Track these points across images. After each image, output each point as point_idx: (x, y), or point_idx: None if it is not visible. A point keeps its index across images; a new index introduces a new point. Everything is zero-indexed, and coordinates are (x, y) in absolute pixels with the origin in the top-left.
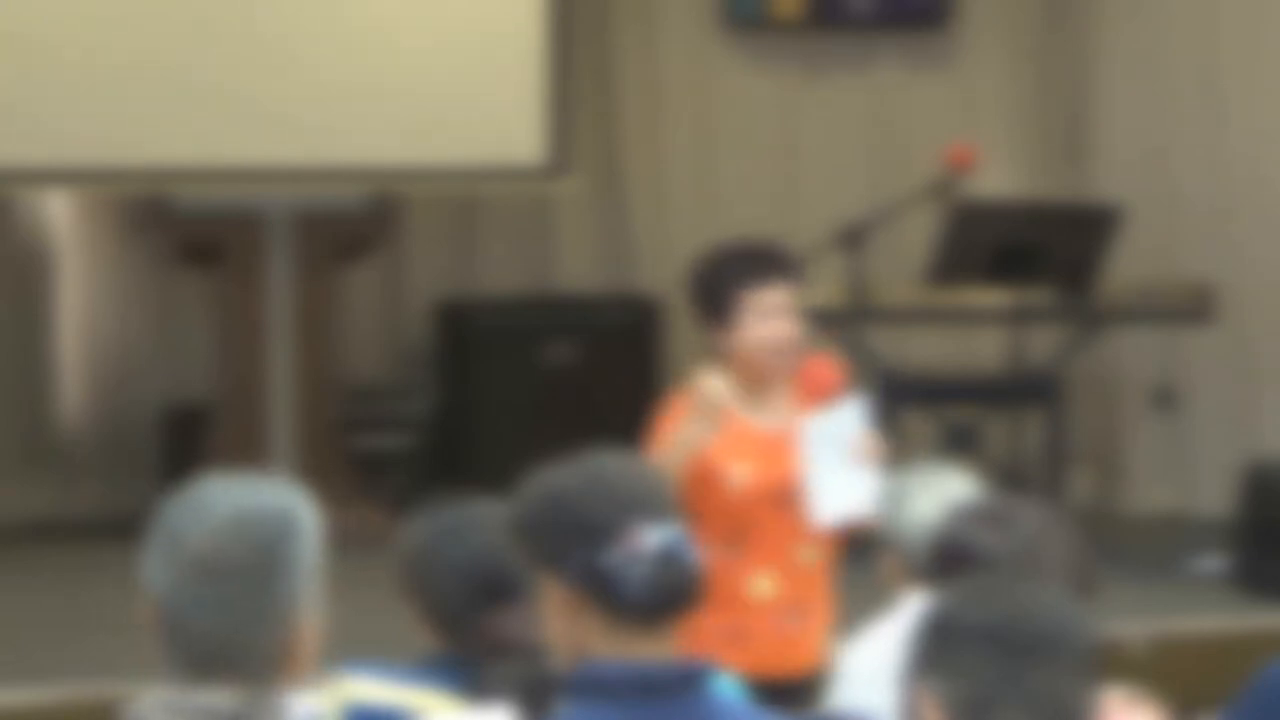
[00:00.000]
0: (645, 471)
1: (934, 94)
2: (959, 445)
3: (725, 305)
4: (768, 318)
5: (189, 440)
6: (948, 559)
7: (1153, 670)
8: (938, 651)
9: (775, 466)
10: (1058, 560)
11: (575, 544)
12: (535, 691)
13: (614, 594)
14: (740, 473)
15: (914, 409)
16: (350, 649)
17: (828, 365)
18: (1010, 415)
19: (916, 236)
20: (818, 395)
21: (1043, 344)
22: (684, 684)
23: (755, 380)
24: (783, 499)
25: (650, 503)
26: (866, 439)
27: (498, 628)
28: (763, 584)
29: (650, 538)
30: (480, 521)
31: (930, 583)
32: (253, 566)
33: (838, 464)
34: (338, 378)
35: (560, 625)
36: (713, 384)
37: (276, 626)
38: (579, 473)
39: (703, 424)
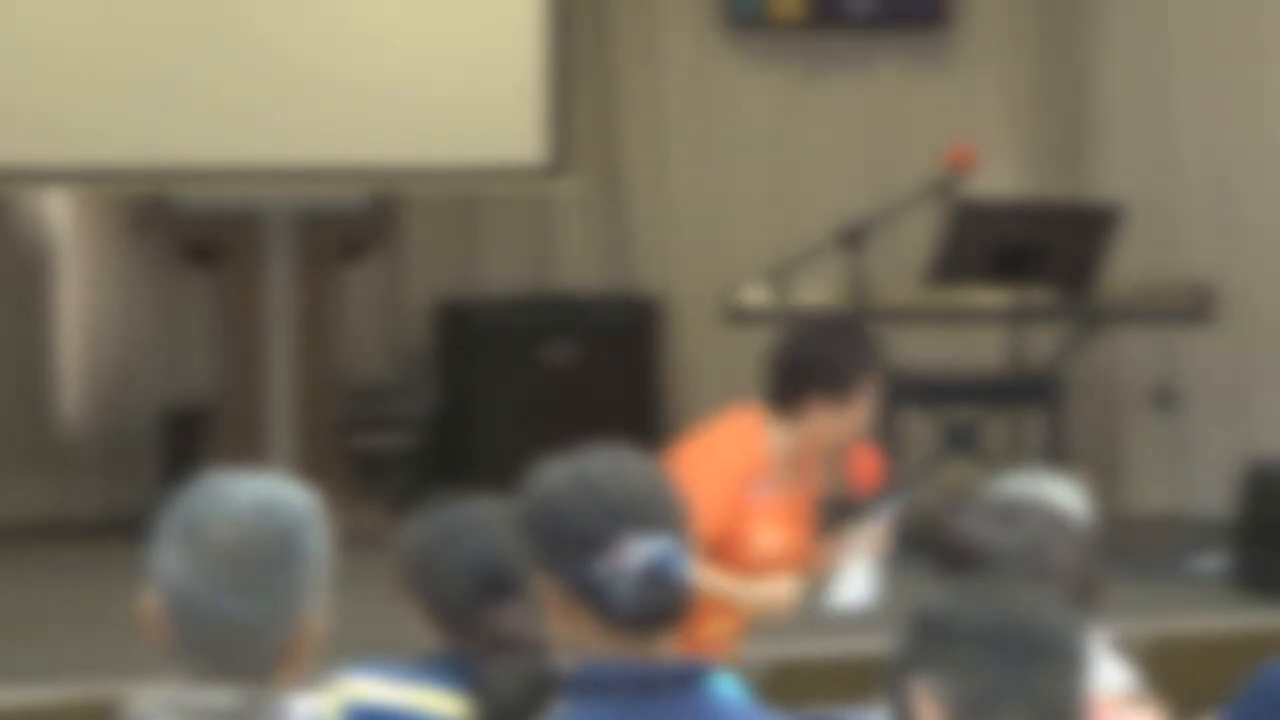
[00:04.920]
0: (640, 477)
1: (934, 94)
2: (959, 445)
3: (848, 387)
4: (870, 402)
5: (189, 440)
6: (953, 555)
7: (1152, 670)
8: (938, 648)
9: (799, 532)
10: (1062, 561)
11: (566, 551)
12: (535, 689)
13: (603, 604)
14: (768, 539)
15: (914, 409)
16: (350, 649)
17: (874, 458)
18: (1010, 415)
19: (916, 236)
20: (863, 487)
21: (1043, 344)
22: (681, 682)
23: (822, 455)
24: (800, 566)
25: (641, 513)
26: (886, 535)
27: (500, 624)
28: (723, 628)
29: (638, 551)
30: (482, 519)
31: (936, 577)
32: (274, 555)
33: (862, 556)
34: (338, 378)
35: (559, 624)
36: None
37: (291, 617)
38: (573, 477)
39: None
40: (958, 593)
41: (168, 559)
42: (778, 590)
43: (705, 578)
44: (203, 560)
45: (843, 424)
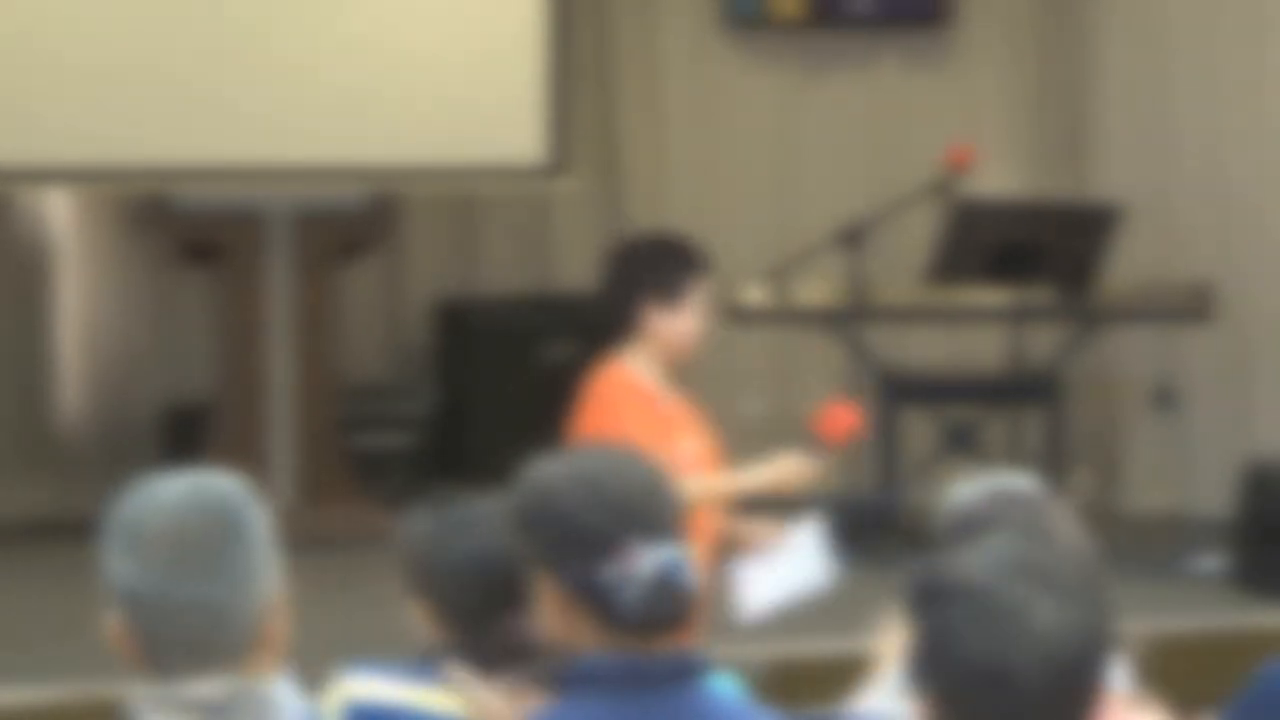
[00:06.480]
0: (643, 478)
1: (934, 93)
2: (959, 445)
3: (677, 289)
4: (704, 308)
5: (189, 440)
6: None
7: (1152, 670)
8: (929, 673)
9: (707, 438)
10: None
11: (571, 553)
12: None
13: (607, 608)
14: (687, 445)
15: (914, 408)
16: (350, 647)
17: (851, 410)
18: (1010, 415)
19: (916, 236)
20: (836, 439)
21: (1042, 343)
22: (676, 677)
23: (675, 363)
24: (716, 470)
25: (650, 519)
26: (825, 571)
27: (509, 629)
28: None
29: (647, 559)
30: (488, 516)
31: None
32: (217, 532)
33: (783, 575)
34: (337, 377)
35: (555, 621)
36: None
37: (249, 593)
38: (579, 477)
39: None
40: (951, 617)
41: (117, 569)
42: (785, 466)
43: (696, 483)
44: (150, 555)
45: (682, 326)
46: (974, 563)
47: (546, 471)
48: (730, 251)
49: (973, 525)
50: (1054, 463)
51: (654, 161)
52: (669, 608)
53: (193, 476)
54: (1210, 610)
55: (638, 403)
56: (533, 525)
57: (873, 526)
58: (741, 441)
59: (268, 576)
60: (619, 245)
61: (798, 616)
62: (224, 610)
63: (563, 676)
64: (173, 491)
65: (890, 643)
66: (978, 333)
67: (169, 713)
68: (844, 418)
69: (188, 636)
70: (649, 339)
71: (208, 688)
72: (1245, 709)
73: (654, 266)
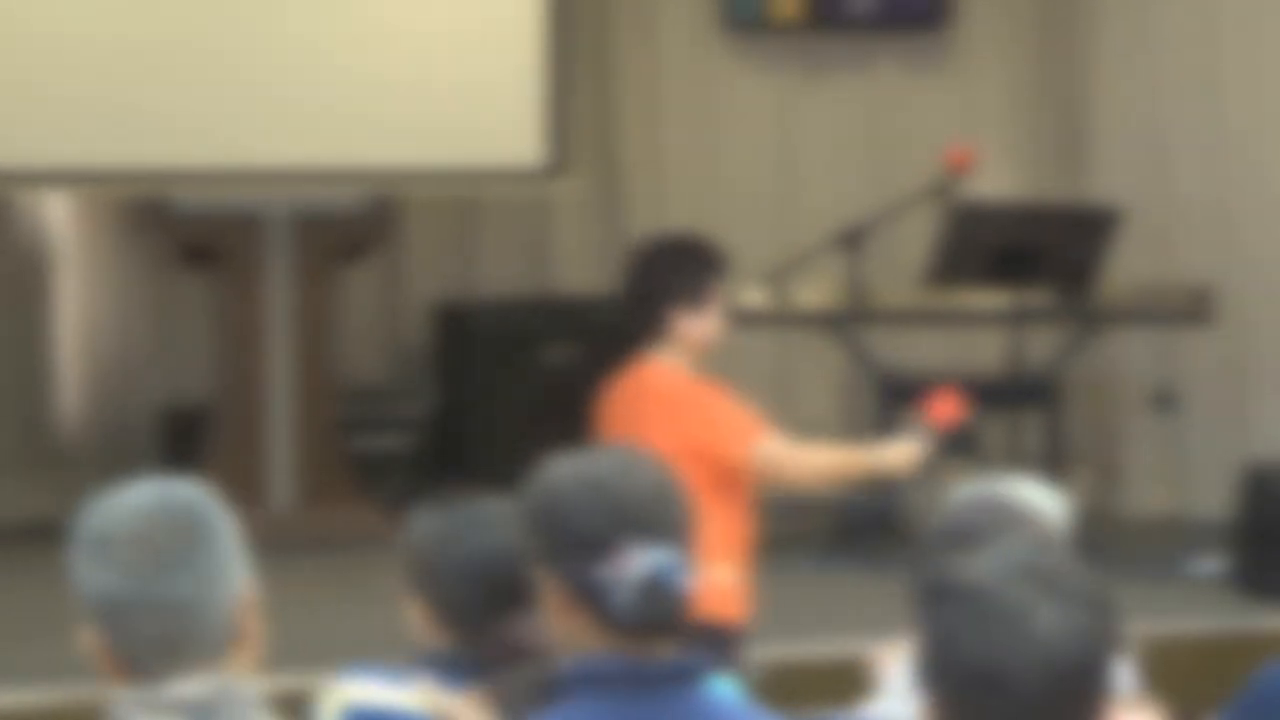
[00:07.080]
0: (648, 481)
1: (933, 95)
2: (957, 447)
3: (702, 291)
4: (723, 308)
5: (188, 441)
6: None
7: (1151, 671)
8: (932, 674)
9: None
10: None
11: (567, 551)
12: (542, 692)
13: (602, 607)
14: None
15: (913, 410)
16: (349, 649)
17: (957, 397)
18: (1009, 417)
19: (916, 238)
20: (943, 426)
21: (1042, 345)
22: (677, 679)
23: (696, 364)
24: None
25: (645, 519)
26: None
27: (512, 632)
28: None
29: (640, 560)
30: (491, 517)
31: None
32: (183, 531)
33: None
34: (337, 379)
35: (558, 621)
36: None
37: (220, 589)
38: (579, 475)
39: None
40: (952, 629)
41: (88, 578)
42: (905, 450)
43: (820, 455)
44: (119, 560)
45: (707, 326)
46: (981, 566)
47: (555, 471)
48: (729, 254)
49: (963, 531)
50: (1053, 465)
51: (654, 163)
52: (660, 611)
53: (155, 483)
54: (1209, 612)
55: (711, 387)
56: (538, 525)
57: (872, 528)
58: None
59: (237, 576)
60: (640, 249)
61: (797, 617)
62: (195, 609)
63: (563, 678)
64: (136, 498)
65: (894, 655)
66: (977, 335)
67: (153, 715)
68: (951, 404)
69: (162, 638)
70: (676, 341)
71: (190, 687)
72: (1244, 711)
73: (679, 269)
